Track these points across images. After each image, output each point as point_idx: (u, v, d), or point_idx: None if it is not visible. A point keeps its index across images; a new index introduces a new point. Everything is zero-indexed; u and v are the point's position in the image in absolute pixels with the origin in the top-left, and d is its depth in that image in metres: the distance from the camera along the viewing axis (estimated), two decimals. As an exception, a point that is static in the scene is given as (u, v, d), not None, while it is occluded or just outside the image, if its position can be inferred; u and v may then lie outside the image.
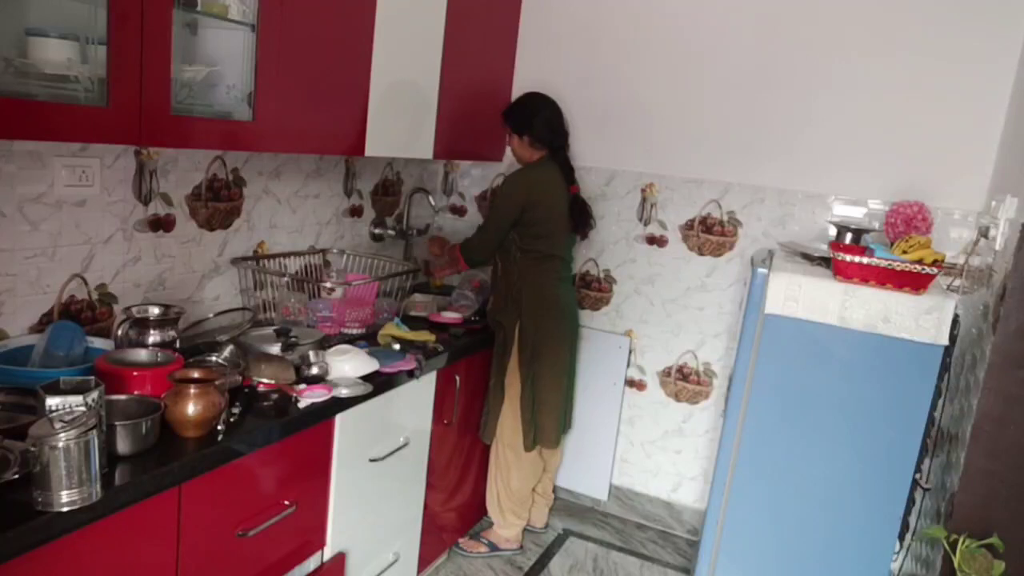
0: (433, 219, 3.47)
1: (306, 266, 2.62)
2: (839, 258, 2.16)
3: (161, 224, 2.06)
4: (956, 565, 1.75)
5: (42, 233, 1.75)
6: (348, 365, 2.02)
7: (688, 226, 3.02)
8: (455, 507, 2.79)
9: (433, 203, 3.19)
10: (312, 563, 1.94)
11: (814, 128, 2.77)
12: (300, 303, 2.33)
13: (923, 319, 2.08)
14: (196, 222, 2.18)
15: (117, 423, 1.38)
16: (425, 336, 2.42)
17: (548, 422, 2.76)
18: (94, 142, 1.63)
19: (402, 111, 2.49)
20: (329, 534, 1.98)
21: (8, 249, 1.69)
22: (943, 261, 2.08)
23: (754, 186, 2.89)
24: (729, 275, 2.98)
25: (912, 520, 2.29)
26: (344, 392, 1.92)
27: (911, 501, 2.19)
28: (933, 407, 2.13)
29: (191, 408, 1.51)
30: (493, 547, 2.89)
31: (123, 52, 1.46)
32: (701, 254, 3.02)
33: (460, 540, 2.90)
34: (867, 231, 2.52)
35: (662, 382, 3.15)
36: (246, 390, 1.76)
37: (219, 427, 1.56)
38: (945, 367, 2.11)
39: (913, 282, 2.08)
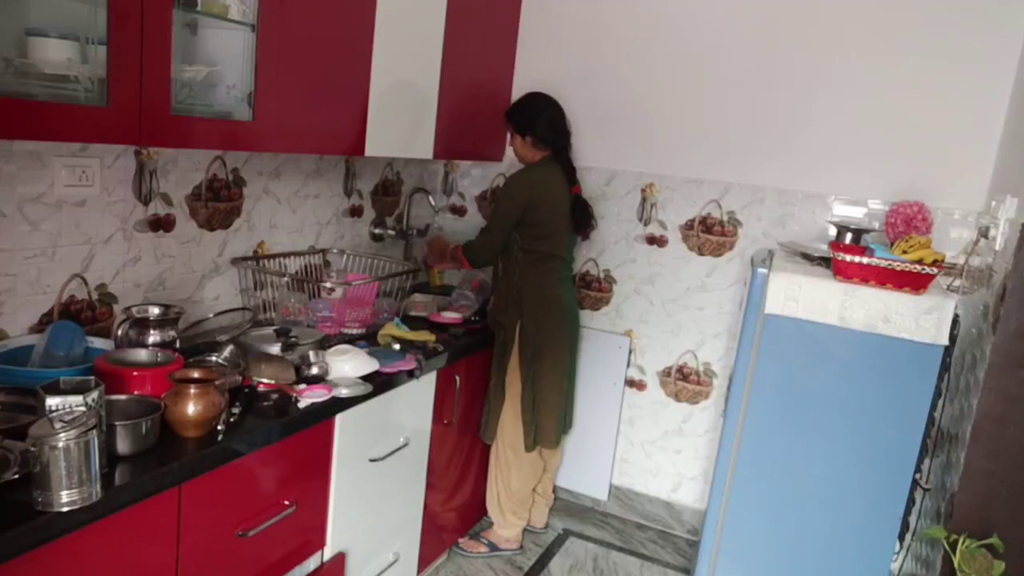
0: (433, 219, 3.47)
1: (306, 266, 2.62)
2: (839, 258, 2.16)
3: (161, 224, 2.06)
4: (956, 565, 1.75)
5: (42, 233, 1.75)
6: (348, 365, 2.02)
7: (688, 226, 3.02)
8: (455, 507, 2.79)
9: (433, 203, 3.19)
10: (312, 563, 1.94)
11: (814, 128, 2.77)
12: (300, 303, 2.33)
13: (923, 319, 2.08)
14: (196, 222, 2.18)
15: (117, 423, 1.38)
16: (425, 336, 2.42)
17: (548, 422, 2.76)
18: (94, 142, 1.63)
19: (402, 111, 2.49)
20: (329, 534, 1.98)
21: (8, 249, 1.69)
22: (943, 261, 2.08)
23: (754, 186, 2.89)
24: (729, 275, 2.98)
25: (912, 520, 2.29)
26: (344, 392, 1.92)
27: (911, 501, 2.19)
28: (933, 407, 2.13)
29: (191, 408, 1.51)
30: (493, 547, 2.89)
31: (123, 52, 1.46)
32: (701, 254, 3.02)
33: (460, 540, 2.90)
34: (867, 231, 2.52)
35: (662, 382, 3.15)
36: (246, 390, 1.76)
37: (219, 427, 1.56)
38: (945, 367, 2.11)
39: (913, 282, 2.08)
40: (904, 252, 2.11)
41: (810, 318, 2.19)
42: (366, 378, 2.04)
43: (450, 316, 2.75)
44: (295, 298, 2.33)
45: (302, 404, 1.80)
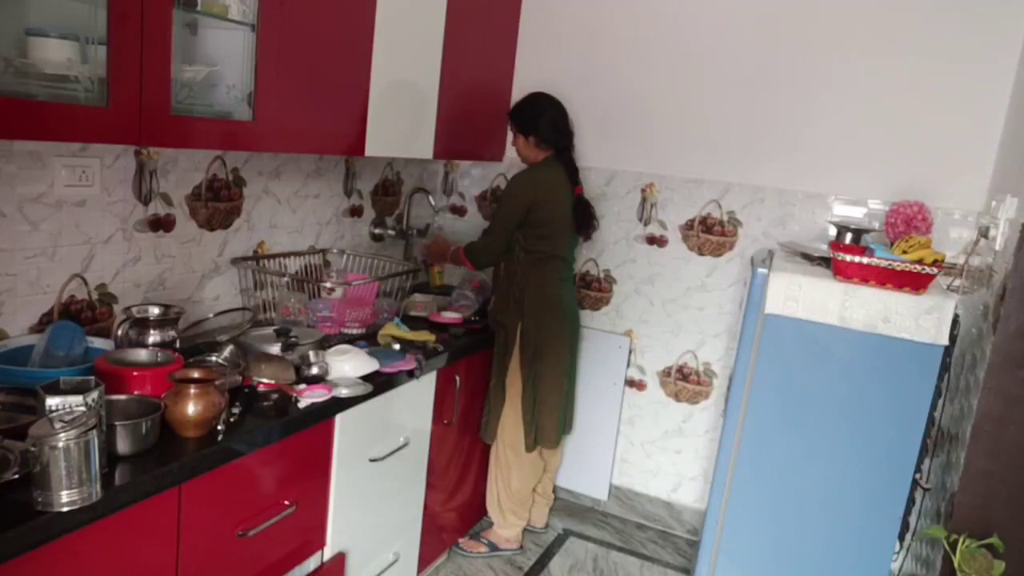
0: (433, 219, 3.47)
1: (306, 266, 2.62)
2: (839, 258, 2.16)
3: (161, 224, 2.06)
4: (956, 565, 1.75)
5: (42, 233, 1.75)
6: (348, 365, 2.02)
7: (688, 226, 3.02)
8: (455, 507, 2.79)
9: (433, 203, 3.19)
10: (312, 563, 1.94)
11: (814, 128, 2.77)
12: (300, 303, 2.33)
13: (923, 319, 2.08)
14: (196, 222, 2.18)
15: (117, 423, 1.38)
16: (425, 336, 2.42)
17: (549, 422, 2.76)
18: (94, 142, 1.63)
19: (402, 111, 2.49)
20: (329, 534, 1.98)
21: (8, 249, 1.69)
22: (943, 261, 2.08)
23: (754, 186, 2.89)
24: (729, 275, 2.98)
25: (912, 520, 2.29)
26: (344, 392, 1.92)
27: (911, 501, 2.19)
28: (933, 407, 2.13)
29: (191, 408, 1.51)
30: (493, 547, 2.89)
31: (123, 52, 1.46)
32: (701, 254, 3.02)
33: (460, 540, 2.90)
34: (867, 231, 2.52)
35: (662, 382, 3.15)
36: (246, 390, 1.76)
37: (219, 427, 1.56)
38: (945, 367, 2.11)
39: (913, 282, 2.08)
40: (904, 252, 2.11)
41: (810, 318, 2.19)
42: (366, 378, 2.04)
43: (450, 316, 2.75)
44: (295, 298, 2.33)
45: (302, 404, 1.80)
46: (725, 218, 2.96)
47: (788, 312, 2.21)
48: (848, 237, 2.50)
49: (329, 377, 1.96)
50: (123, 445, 1.40)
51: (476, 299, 2.90)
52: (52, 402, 1.29)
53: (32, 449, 1.20)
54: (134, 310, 1.83)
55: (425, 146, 2.66)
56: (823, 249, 2.50)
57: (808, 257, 2.47)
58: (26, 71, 1.46)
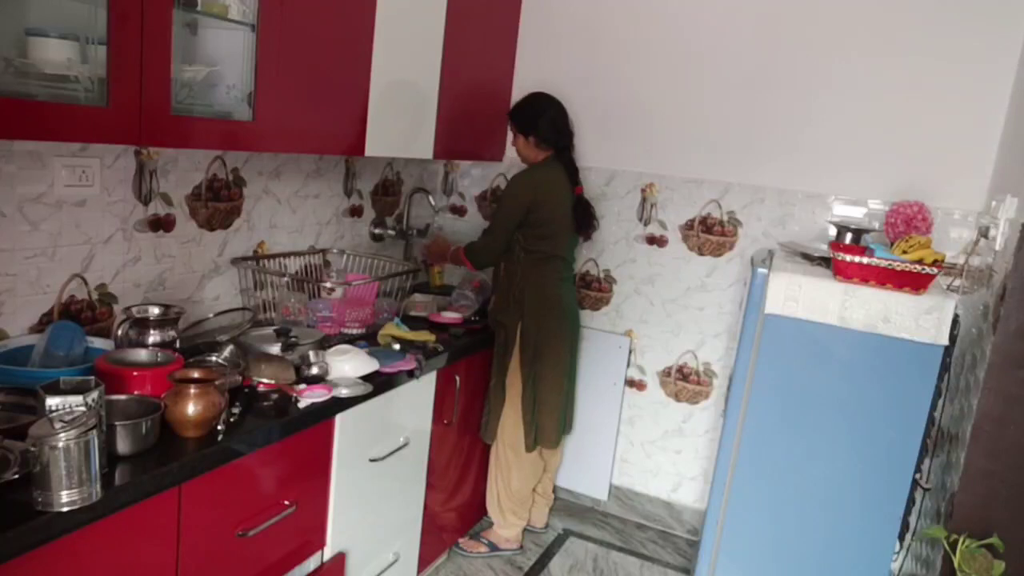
0: (433, 219, 3.47)
1: (306, 266, 2.62)
2: (839, 258, 2.16)
3: (161, 224, 2.06)
4: (956, 565, 1.75)
5: (42, 233, 1.75)
6: (348, 365, 2.02)
7: (688, 226, 3.02)
8: (455, 507, 2.79)
9: (433, 203, 3.19)
10: (312, 563, 1.94)
11: (814, 128, 2.77)
12: (300, 303, 2.33)
13: (923, 319, 2.08)
14: (196, 222, 2.18)
15: (117, 423, 1.38)
16: (425, 336, 2.42)
17: (549, 422, 2.76)
18: (94, 142, 1.63)
19: (402, 111, 2.49)
20: (329, 534, 1.98)
21: (8, 249, 1.69)
22: (943, 261, 2.08)
23: (754, 186, 2.89)
24: (729, 275, 2.98)
25: (912, 520, 2.29)
26: (344, 392, 1.92)
27: (911, 501, 2.19)
28: (933, 407, 2.13)
29: (191, 408, 1.51)
30: (493, 547, 2.89)
31: (123, 52, 1.46)
32: (701, 254, 3.02)
33: (460, 540, 2.90)
34: (867, 231, 2.52)
35: (662, 382, 3.15)
36: (246, 390, 1.76)
37: (219, 427, 1.56)
38: (945, 367, 2.11)
39: (913, 282, 2.08)
40: (904, 252, 2.11)
41: (810, 318, 2.19)
42: (366, 378, 2.04)
43: (450, 316, 2.75)
44: (295, 298, 2.33)
45: (302, 404, 1.80)
46: (725, 218, 2.96)
47: (788, 312, 2.21)
48: (848, 237, 2.50)
49: (329, 377, 1.96)
50: (123, 445, 1.40)
51: (476, 299, 2.90)
52: (52, 402, 1.29)
53: (32, 449, 1.20)
54: (134, 310, 1.83)
55: (425, 146, 2.66)
56: (823, 249, 2.50)
57: (808, 257, 2.47)
58: (26, 71, 1.46)
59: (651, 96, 3.00)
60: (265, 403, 1.78)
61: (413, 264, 3.06)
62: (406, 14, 2.37)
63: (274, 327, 2.11)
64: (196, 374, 1.59)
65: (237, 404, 1.67)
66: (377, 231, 3.07)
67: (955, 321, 2.09)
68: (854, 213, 2.75)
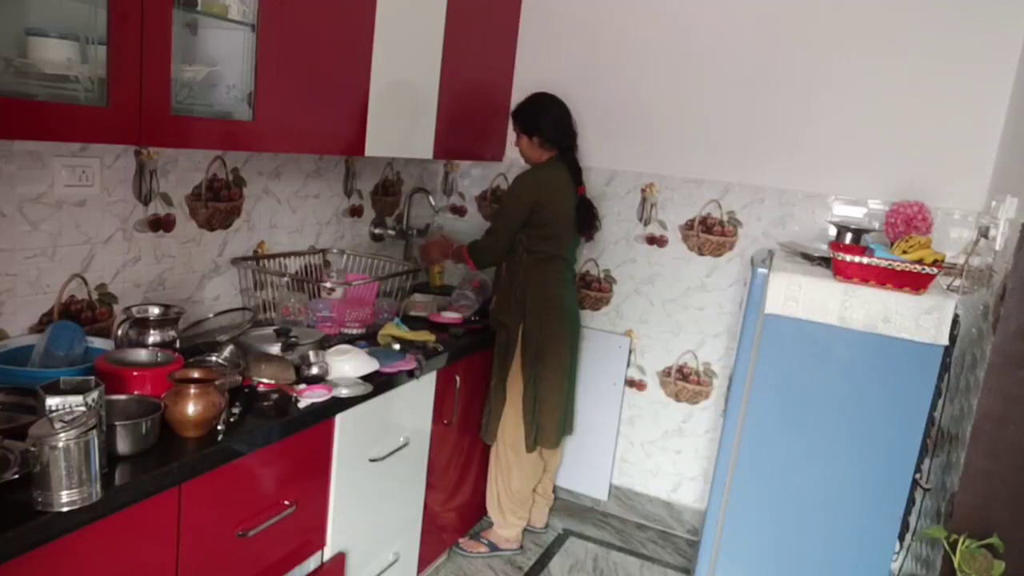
0: (433, 219, 3.47)
1: (306, 266, 2.62)
2: (839, 258, 2.16)
3: (161, 224, 2.06)
4: (956, 565, 1.75)
5: (42, 233, 1.75)
6: (348, 365, 2.02)
7: (688, 226, 3.02)
8: (455, 507, 2.79)
9: (433, 203, 3.19)
10: (312, 563, 1.94)
11: (814, 128, 2.77)
12: (300, 303, 2.33)
13: (923, 319, 2.08)
14: (196, 222, 2.18)
15: (117, 423, 1.38)
16: (425, 336, 2.42)
17: (549, 423, 2.76)
18: (94, 142, 1.63)
19: (402, 111, 2.49)
20: (329, 534, 1.98)
21: (8, 249, 1.69)
22: (943, 261, 2.08)
23: (754, 186, 2.89)
24: (729, 275, 2.98)
25: (912, 520, 2.29)
26: (344, 392, 1.92)
27: (911, 501, 2.19)
28: (933, 407, 2.13)
29: (191, 408, 1.51)
30: (493, 547, 2.89)
31: (123, 52, 1.46)
32: (701, 254, 3.02)
33: (460, 540, 2.90)
34: (867, 231, 2.52)
35: (662, 382, 3.15)
36: (246, 390, 1.76)
37: (219, 427, 1.56)
38: (945, 367, 2.11)
39: (913, 282, 2.08)
40: (904, 252, 2.11)
41: (810, 318, 2.19)
42: (366, 378, 2.04)
43: (450, 316, 2.75)
44: (295, 298, 2.33)
45: (302, 404, 1.80)
46: (725, 218, 2.96)
47: (788, 312, 2.21)
48: (848, 237, 2.50)
49: (329, 377, 1.96)
50: (123, 445, 1.40)
51: (476, 299, 2.90)
52: (52, 402, 1.29)
53: (32, 449, 1.20)
54: (134, 310, 1.83)
55: (425, 146, 2.66)
56: (823, 249, 2.50)
57: (808, 257, 2.47)
58: (26, 71, 1.46)
59: (651, 96, 3.00)
60: (265, 403, 1.78)
61: (413, 264, 3.05)
62: (406, 14, 2.37)
63: (274, 327, 2.11)
64: (196, 374, 1.59)
65: (237, 404, 1.67)
66: (377, 231, 3.07)
67: (955, 321, 2.09)
68: (854, 213, 2.75)
